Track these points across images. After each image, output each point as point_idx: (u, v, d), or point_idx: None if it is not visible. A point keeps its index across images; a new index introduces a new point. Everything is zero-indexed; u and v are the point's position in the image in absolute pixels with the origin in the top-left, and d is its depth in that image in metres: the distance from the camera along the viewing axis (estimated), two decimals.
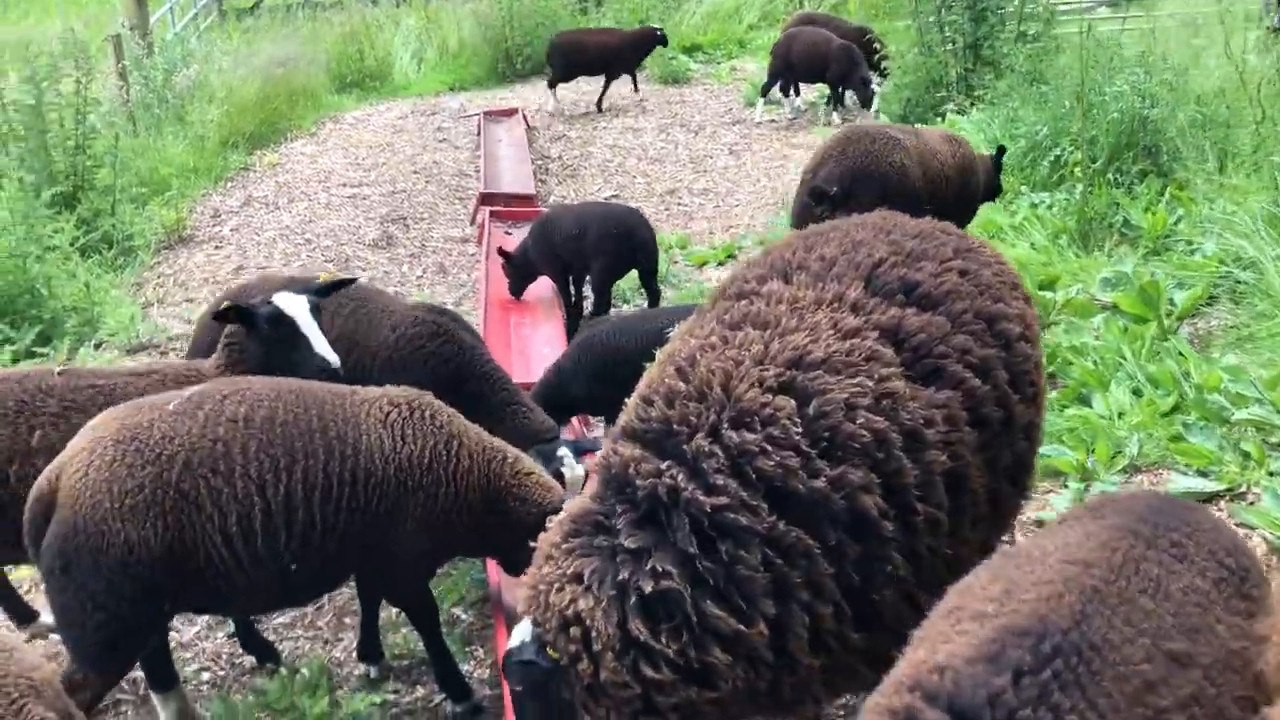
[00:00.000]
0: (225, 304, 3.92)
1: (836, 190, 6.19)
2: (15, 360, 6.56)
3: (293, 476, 3.14)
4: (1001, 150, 7.27)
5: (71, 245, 7.89)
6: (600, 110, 13.73)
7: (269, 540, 3.12)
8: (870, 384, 2.60)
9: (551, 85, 13.79)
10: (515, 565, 3.54)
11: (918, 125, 7.79)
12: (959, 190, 6.81)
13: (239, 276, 8.36)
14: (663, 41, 13.87)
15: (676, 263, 8.03)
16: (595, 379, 4.88)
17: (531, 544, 2.67)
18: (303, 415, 3.21)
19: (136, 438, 3.06)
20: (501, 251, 7.35)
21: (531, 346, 6.62)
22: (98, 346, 6.93)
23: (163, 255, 8.89)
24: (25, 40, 14.36)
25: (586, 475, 3.99)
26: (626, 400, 2.75)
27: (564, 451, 4.02)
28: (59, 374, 3.64)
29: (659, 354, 2.83)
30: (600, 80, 13.73)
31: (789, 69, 12.23)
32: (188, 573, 3.10)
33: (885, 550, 2.54)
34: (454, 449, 3.41)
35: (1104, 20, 13.31)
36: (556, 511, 3.30)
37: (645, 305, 7.11)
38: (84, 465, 3.02)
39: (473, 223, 9.49)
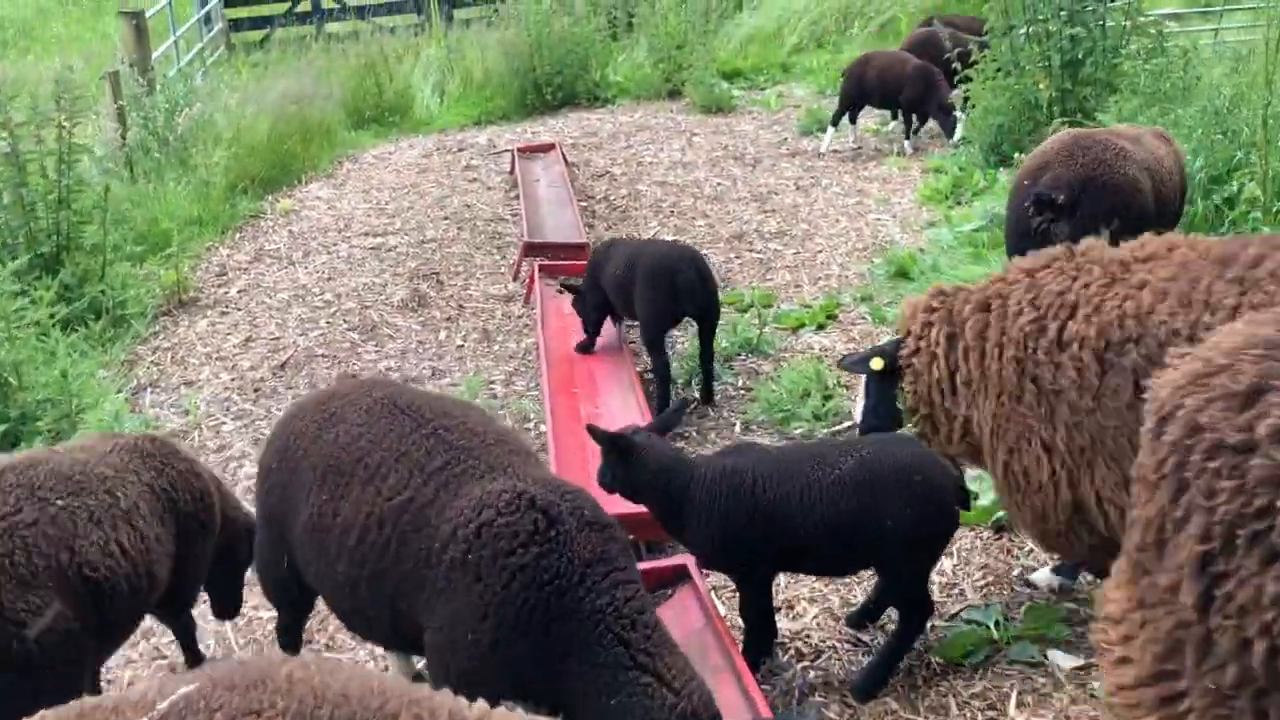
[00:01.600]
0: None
1: (1064, 199, 5.39)
2: None
3: None
4: None
5: (51, 320, 6.69)
6: None
7: None
8: None
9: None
10: None
11: (1130, 126, 6.65)
12: (1179, 195, 6.06)
13: (247, 350, 7.13)
14: None
15: (766, 326, 6.75)
16: (741, 537, 3.48)
17: None
18: None
19: None
20: (567, 285, 6.81)
21: None
22: None
23: (160, 324, 7.68)
24: (20, 80, 13.30)
25: None
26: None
27: None
28: None
29: None
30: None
31: (863, 94, 11.00)
32: None
33: None
34: None
35: (1196, 31, 12.08)
36: None
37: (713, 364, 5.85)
38: None
39: (516, 277, 8.26)
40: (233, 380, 6.64)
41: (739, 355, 6.47)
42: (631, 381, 5.90)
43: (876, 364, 3.96)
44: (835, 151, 11.38)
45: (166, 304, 7.96)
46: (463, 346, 7.07)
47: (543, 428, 5.63)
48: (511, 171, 11.39)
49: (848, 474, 3.38)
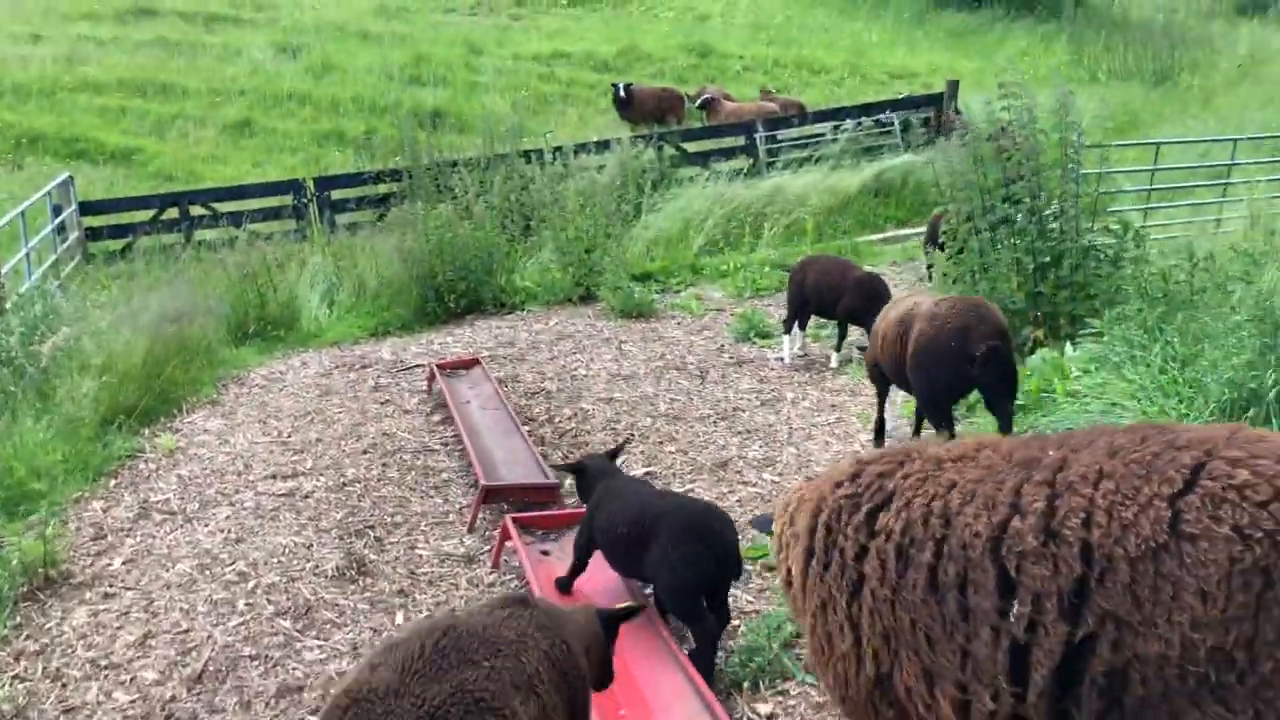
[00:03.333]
0: None
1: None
2: None
3: None
4: None
5: None
6: None
7: None
8: None
9: None
10: None
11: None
12: None
13: (147, 652, 5.50)
14: None
15: None
16: None
17: None
18: None
19: None
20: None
21: None
22: None
23: (23, 614, 5.98)
24: None
25: None
26: None
27: None
28: None
29: None
30: None
31: (805, 301, 10.26)
32: None
33: None
34: None
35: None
36: None
37: None
38: None
39: (472, 529, 6.91)
40: (132, 703, 5.00)
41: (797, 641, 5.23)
42: (693, 683, 4.56)
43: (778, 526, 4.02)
44: (779, 359, 10.57)
45: (29, 585, 6.27)
46: None
47: None
48: (429, 391, 10.16)
49: None
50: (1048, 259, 8.95)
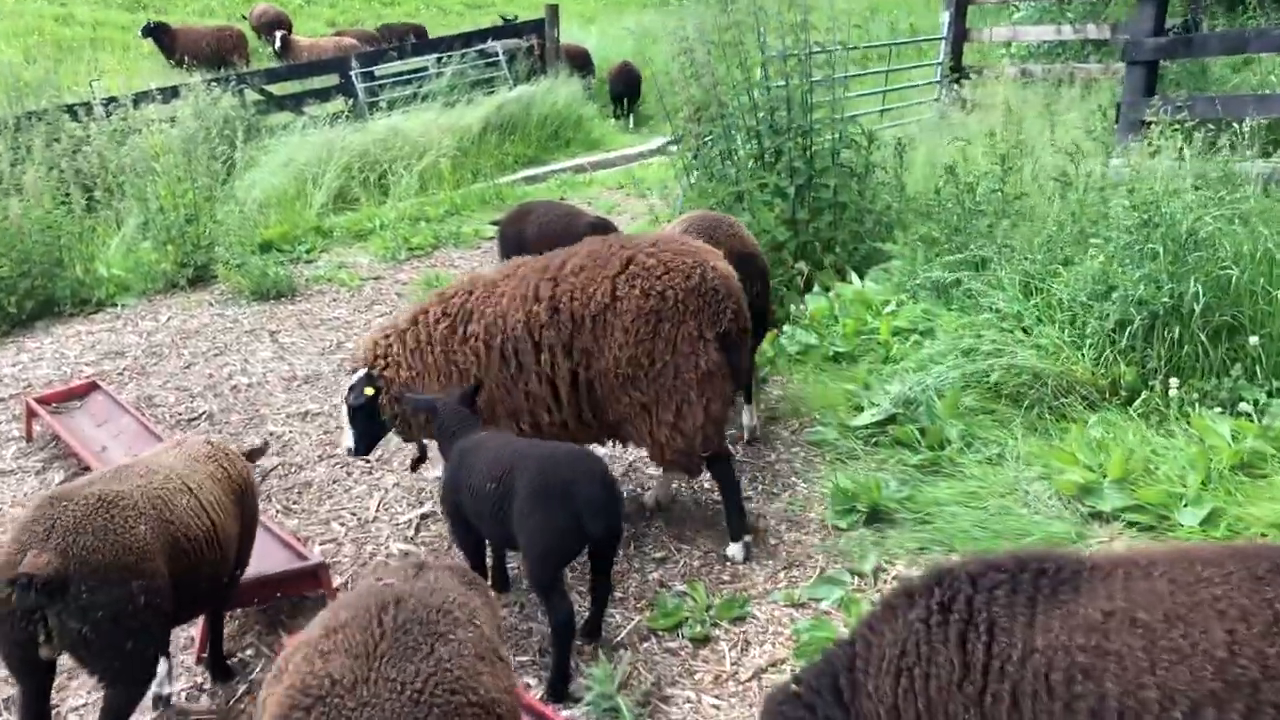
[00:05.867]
0: None
1: None
2: None
3: None
4: None
5: None
6: None
7: None
8: None
9: None
10: None
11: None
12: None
13: None
14: None
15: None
16: None
17: None
18: None
19: None
20: None
21: None
22: None
23: None
24: None
25: None
26: None
27: None
28: None
29: None
30: None
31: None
32: None
33: None
34: None
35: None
36: None
37: None
38: None
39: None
40: None
41: None
42: None
43: (369, 390, 5.29)
44: None
45: None
46: None
47: None
48: (29, 437, 7.27)
49: None
50: (803, 181, 7.88)
